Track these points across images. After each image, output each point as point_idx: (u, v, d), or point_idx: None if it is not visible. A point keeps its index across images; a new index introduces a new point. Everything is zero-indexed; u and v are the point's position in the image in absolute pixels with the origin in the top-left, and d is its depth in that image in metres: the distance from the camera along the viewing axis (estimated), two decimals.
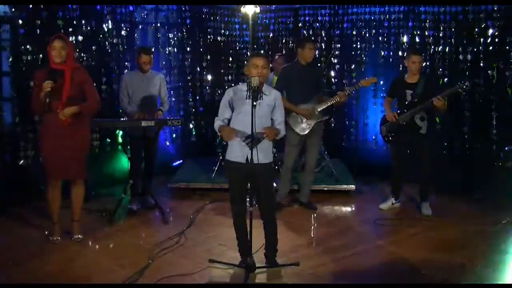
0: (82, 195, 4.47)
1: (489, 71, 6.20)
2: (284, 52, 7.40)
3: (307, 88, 5.12)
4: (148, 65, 5.15)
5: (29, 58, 5.88)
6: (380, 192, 6.02)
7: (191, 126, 7.55)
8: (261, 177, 3.65)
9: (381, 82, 6.92)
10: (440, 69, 6.63)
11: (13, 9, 5.74)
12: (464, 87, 4.83)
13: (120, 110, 5.75)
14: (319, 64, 6.79)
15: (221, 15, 7.57)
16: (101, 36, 6.47)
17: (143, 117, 4.97)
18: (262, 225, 3.83)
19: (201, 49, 7.47)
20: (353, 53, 7.14)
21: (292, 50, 7.39)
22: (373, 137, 7.07)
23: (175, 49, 7.25)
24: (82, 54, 6.27)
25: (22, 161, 5.85)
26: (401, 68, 6.64)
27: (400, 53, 6.80)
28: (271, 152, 3.78)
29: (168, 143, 7.26)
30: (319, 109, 5.15)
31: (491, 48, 6.29)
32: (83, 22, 6.27)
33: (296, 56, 5.27)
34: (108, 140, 6.46)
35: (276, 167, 6.09)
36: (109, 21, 6.53)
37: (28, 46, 5.84)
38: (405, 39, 6.80)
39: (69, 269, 3.86)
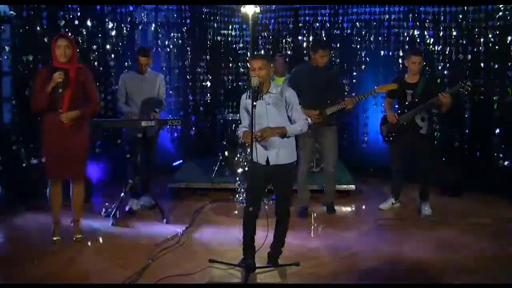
0: (83, 195, 4.47)
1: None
2: (284, 52, 7.40)
3: (318, 91, 4.99)
4: (146, 66, 5.14)
5: (29, 58, 5.89)
6: (380, 192, 6.02)
7: (191, 126, 7.54)
8: (279, 177, 3.68)
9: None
10: (440, 69, 6.63)
11: (12, 9, 5.75)
12: (466, 86, 4.84)
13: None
14: (336, 65, 6.73)
15: (221, 15, 7.57)
16: (101, 36, 6.47)
17: (140, 117, 4.97)
18: (275, 223, 3.85)
19: (201, 49, 7.47)
20: (353, 53, 7.14)
21: (293, 50, 7.43)
22: (374, 137, 7.06)
23: (175, 49, 7.25)
24: (83, 54, 6.28)
25: (22, 161, 5.86)
26: (401, 68, 6.65)
27: (400, 53, 6.80)
28: (292, 152, 3.73)
29: (172, 135, 7.28)
30: (327, 113, 5.08)
31: (491, 48, 6.29)
32: (83, 22, 6.28)
33: (297, 56, 5.25)
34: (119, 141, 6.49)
35: None
36: (109, 21, 6.54)
37: (28, 46, 5.85)
38: (405, 39, 6.80)
39: (69, 269, 3.85)
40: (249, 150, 3.75)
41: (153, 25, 7.03)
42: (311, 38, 7.28)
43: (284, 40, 7.55)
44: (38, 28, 5.95)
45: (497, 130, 6.29)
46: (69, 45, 4.10)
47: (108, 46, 6.55)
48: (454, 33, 6.54)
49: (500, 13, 6.18)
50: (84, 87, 4.23)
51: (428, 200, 5.29)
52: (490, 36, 6.29)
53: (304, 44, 7.37)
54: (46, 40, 5.86)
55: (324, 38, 7.27)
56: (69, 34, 6.08)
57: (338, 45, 7.25)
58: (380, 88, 5.15)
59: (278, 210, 3.82)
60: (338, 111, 5.07)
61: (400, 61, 6.75)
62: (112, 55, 6.61)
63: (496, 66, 6.28)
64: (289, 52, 7.44)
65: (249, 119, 3.67)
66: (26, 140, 5.86)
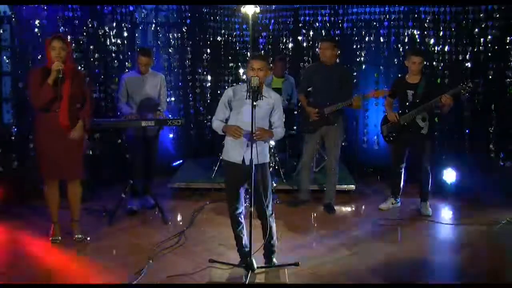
0: (80, 195, 4.46)
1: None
2: (284, 52, 7.40)
3: (327, 89, 5.05)
4: (146, 66, 5.14)
5: (29, 58, 5.88)
6: (380, 192, 6.02)
7: (191, 126, 7.54)
8: (256, 177, 3.65)
9: (382, 82, 6.93)
10: (440, 69, 6.63)
11: (13, 9, 5.75)
12: (467, 88, 4.84)
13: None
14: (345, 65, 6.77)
15: (221, 15, 7.57)
16: (101, 36, 6.48)
17: (138, 117, 4.99)
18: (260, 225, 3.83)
19: (201, 49, 7.47)
20: (353, 53, 7.13)
21: (293, 50, 7.43)
22: (374, 137, 7.06)
23: (175, 49, 7.24)
24: (83, 54, 6.28)
25: (21, 161, 5.86)
26: (401, 68, 6.64)
27: (400, 53, 6.80)
28: (266, 153, 3.77)
29: (171, 135, 7.28)
30: (326, 112, 5.11)
31: (491, 48, 6.29)
32: (83, 22, 6.27)
33: (297, 56, 5.30)
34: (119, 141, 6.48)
35: (276, 168, 6.10)
36: (109, 21, 6.54)
37: (28, 46, 5.85)
38: (405, 39, 6.80)
39: (69, 269, 3.86)
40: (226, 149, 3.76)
41: (153, 25, 7.02)
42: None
43: (284, 40, 7.55)
44: (38, 28, 5.95)
45: (496, 130, 6.29)
46: (64, 47, 4.09)
47: (108, 46, 6.55)
48: (454, 33, 6.54)
49: (500, 13, 6.18)
50: (80, 89, 4.23)
51: (428, 200, 5.29)
52: (490, 36, 6.29)
53: (304, 44, 7.37)
54: (46, 40, 5.86)
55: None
56: (69, 34, 6.10)
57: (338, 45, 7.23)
58: (373, 93, 5.31)
59: (260, 212, 3.74)
60: (340, 110, 5.11)
61: (400, 61, 6.73)
62: (112, 55, 6.60)
63: (496, 66, 6.28)
64: (289, 53, 7.44)
65: (228, 114, 3.71)
66: (25, 139, 5.86)
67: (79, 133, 4.21)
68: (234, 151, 3.68)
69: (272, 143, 5.68)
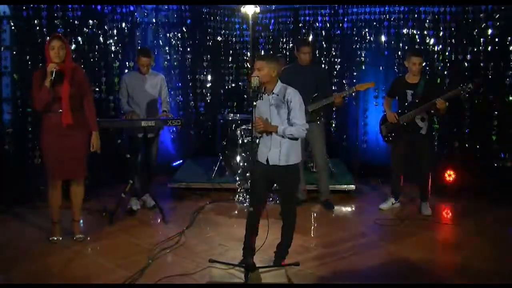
0: (82, 195, 4.47)
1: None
2: (284, 52, 7.40)
3: (305, 89, 5.07)
4: (146, 67, 5.15)
5: (29, 58, 5.89)
6: (380, 192, 6.02)
7: (191, 126, 7.54)
8: (279, 178, 3.68)
9: (382, 83, 6.93)
10: (440, 69, 6.63)
11: (13, 9, 5.76)
12: (467, 90, 4.84)
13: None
14: (323, 65, 6.80)
15: (221, 15, 7.56)
16: (101, 36, 6.47)
17: (135, 117, 4.99)
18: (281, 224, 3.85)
19: (201, 49, 7.47)
20: (353, 53, 7.13)
21: (292, 50, 7.42)
22: (374, 137, 7.06)
23: (175, 49, 7.24)
24: (83, 54, 6.28)
25: (21, 161, 5.86)
26: (401, 68, 6.64)
27: (400, 53, 6.80)
28: (294, 154, 3.69)
29: (171, 136, 7.28)
30: (310, 110, 5.13)
31: (491, 48, 6.29)
32: (83, 22, 6.28)
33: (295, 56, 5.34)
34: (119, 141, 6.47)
35: None
36: (110, 21, 6.54)
37: (28, 46, 5.85)
38: (405, 39, 6.80)
39: (69, 269, 3.86)
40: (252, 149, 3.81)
41: (153, 25, 7.02)
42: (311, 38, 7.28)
43: (284, 40, 7.54)
44: (38, 28, 5.95)
45: (496, 130, 6.29)
46: (62, 46, 4.09)
47: (108, 46, 6.55)
48: (454, 33, 6.54)
49: (500, 13, 6.18)
50: (81, 86, 4.24)
51: (428, 200, 5.29)
52: (490, 36, 6.29)
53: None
54: (46, 40, 5.86)
55: (325, 38, 7.27)
56: (69, 34, 6.09)
57: (338, 45, 7.25)
58: (359, 86, 5.26)
59: (282, 212, 3.83)
60: (322, 107, 5.18)
61: (400, 61, 6.73)
62: (113, 55, 6.60)
63: (496, 66, 6.28)
64: (289, 52, 7.44)
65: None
66: (25, 139, 5.86)
67: (98, 142, 4.34)
68: (261, 151, 3.71)
69: None
